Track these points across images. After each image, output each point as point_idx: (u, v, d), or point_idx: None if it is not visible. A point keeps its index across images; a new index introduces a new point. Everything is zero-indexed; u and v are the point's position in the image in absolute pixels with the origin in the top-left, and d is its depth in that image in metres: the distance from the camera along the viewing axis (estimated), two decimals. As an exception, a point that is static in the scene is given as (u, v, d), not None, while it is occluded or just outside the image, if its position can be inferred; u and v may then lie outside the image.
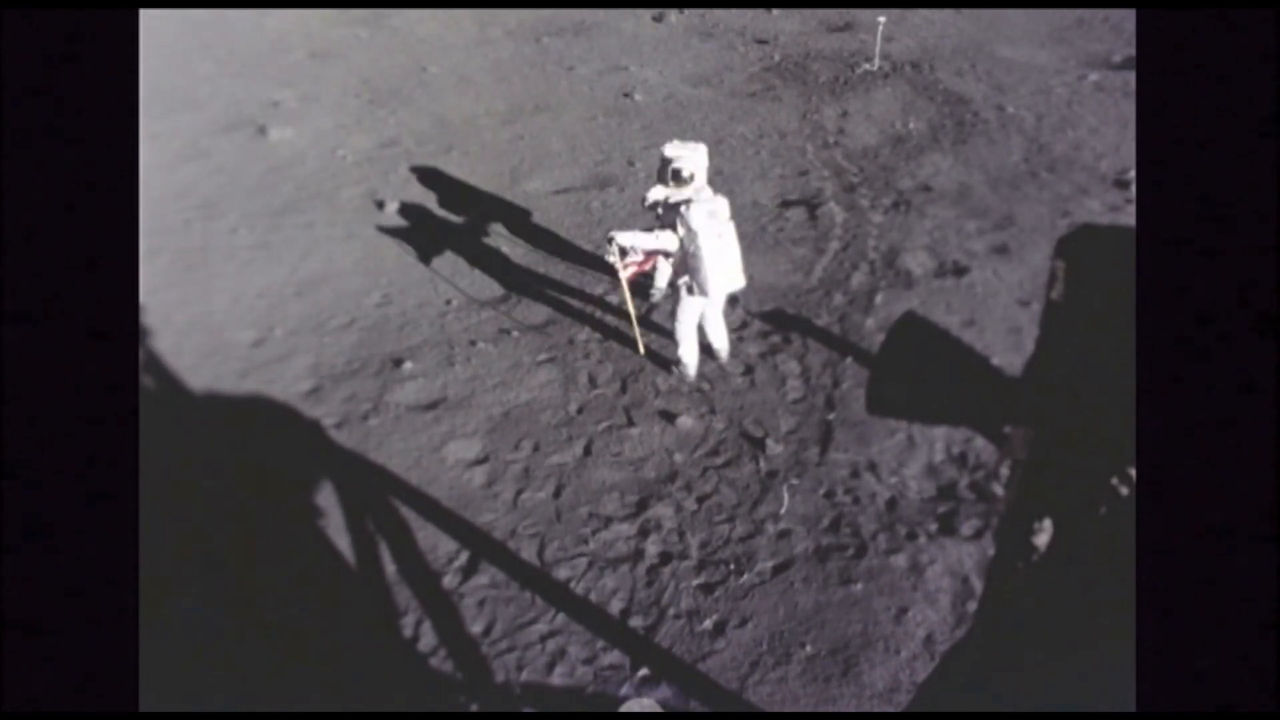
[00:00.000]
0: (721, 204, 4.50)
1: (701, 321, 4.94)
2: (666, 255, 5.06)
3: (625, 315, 5.43)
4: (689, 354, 4.94)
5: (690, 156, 4.75)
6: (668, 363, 5.13)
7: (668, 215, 4.70)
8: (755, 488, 4.28)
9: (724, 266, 4.52)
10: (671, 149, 4.83)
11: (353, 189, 7.56)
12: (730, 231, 4.51)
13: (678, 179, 4.73)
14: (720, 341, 5.07)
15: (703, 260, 4.46)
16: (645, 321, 5.52)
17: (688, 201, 4.52)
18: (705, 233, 4.41)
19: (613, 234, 4.71)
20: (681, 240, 4.51)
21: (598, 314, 5.68)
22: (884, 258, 6.16)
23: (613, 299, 5.78)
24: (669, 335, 5.21)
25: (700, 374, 5.05)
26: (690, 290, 4.67)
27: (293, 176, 7.83)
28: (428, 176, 7.74)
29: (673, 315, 4.97)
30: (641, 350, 5.26)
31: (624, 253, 4.86)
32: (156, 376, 5.24)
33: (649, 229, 4.79)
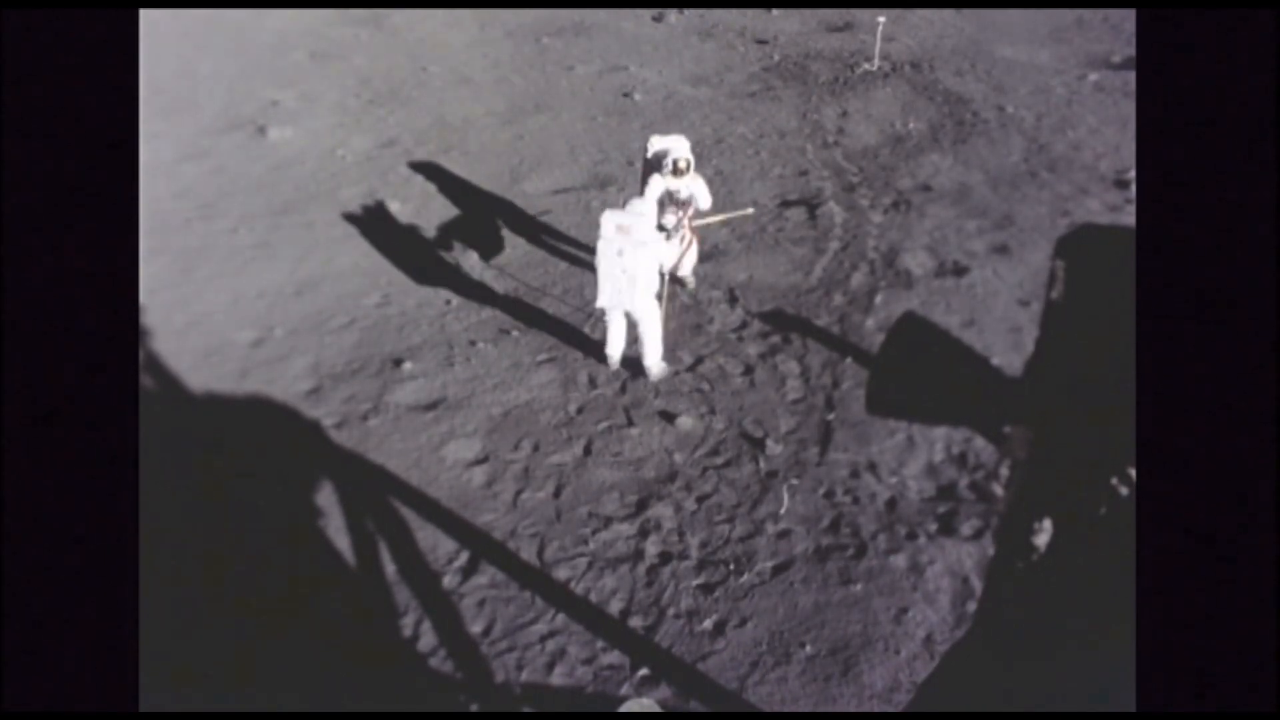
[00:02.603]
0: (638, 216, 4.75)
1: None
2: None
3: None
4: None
5: (679, 148, 5.19)
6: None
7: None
8: (755, 488, 4.28)
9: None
10: (659, 143, 5.28)
11: (352, 189, 7.56)
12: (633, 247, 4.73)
13: (676, 170, 5.13)
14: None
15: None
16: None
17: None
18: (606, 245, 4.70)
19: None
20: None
21: (597, 313, 5.67)
22: (884, 258, 6.16)
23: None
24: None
25: (700, 374, 5.06)
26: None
27: (292, 176, 7.82)
28: (427, 176, 7.73)
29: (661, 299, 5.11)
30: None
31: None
32: (156, 376, 5.24)
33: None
